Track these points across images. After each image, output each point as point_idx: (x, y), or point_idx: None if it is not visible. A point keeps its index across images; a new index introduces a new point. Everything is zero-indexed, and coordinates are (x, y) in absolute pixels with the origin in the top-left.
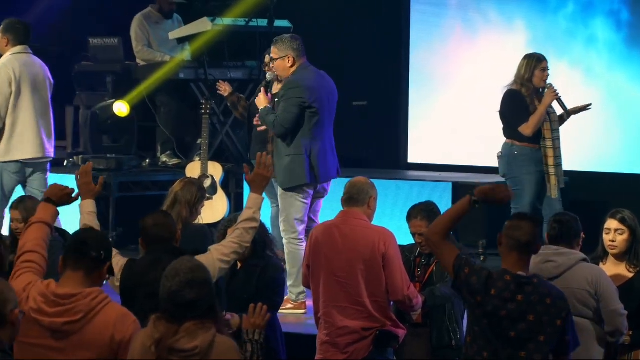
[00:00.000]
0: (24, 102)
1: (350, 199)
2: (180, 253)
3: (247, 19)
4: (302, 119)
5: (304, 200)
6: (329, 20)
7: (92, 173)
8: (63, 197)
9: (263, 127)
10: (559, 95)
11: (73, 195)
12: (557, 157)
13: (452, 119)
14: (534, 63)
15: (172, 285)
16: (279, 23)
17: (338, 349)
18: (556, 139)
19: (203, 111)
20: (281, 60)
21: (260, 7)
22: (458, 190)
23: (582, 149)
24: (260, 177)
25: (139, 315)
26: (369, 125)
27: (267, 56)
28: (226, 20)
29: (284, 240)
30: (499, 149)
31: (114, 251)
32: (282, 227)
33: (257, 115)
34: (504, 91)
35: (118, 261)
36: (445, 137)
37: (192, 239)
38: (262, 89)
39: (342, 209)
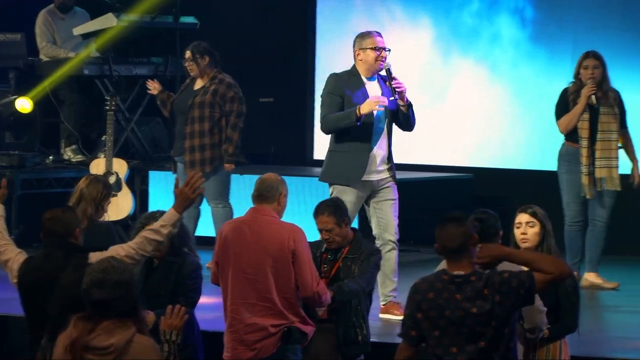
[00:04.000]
0: None
1: (260, 195)
2: (74, 249)
3: (152, 15)
4: None
5: None
6: (235, 16)
7: None
8: None
9: None
10: (593, 92)
11: None
12: (595, 157)
13: None
14: (580, 59)
15: (84, 284)
16: (184, 19)
17: (246, 345)
18: (600, 140)
19: (108, 107)
20: None
21: (165, 3)
22: None
23: (487, 145)
24: (183, 196)
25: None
26: (275, 121)
27: (187, 52)
28: (132, 16)
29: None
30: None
31: (15, 250)
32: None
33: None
34: None
35: (19, 259)
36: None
37: (97, 236)
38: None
39: (252, 206)
